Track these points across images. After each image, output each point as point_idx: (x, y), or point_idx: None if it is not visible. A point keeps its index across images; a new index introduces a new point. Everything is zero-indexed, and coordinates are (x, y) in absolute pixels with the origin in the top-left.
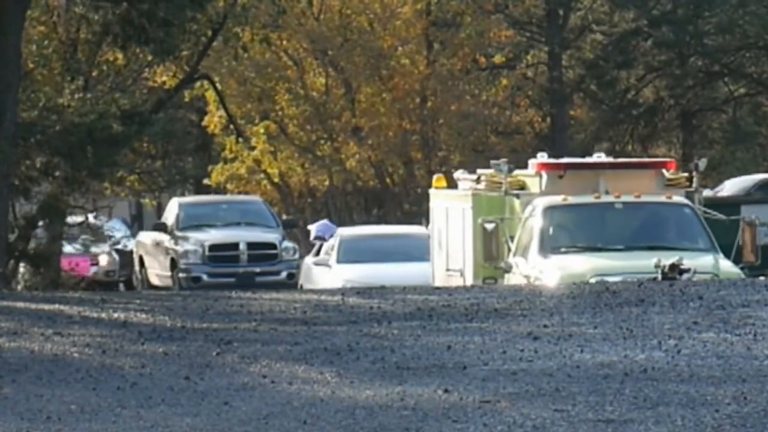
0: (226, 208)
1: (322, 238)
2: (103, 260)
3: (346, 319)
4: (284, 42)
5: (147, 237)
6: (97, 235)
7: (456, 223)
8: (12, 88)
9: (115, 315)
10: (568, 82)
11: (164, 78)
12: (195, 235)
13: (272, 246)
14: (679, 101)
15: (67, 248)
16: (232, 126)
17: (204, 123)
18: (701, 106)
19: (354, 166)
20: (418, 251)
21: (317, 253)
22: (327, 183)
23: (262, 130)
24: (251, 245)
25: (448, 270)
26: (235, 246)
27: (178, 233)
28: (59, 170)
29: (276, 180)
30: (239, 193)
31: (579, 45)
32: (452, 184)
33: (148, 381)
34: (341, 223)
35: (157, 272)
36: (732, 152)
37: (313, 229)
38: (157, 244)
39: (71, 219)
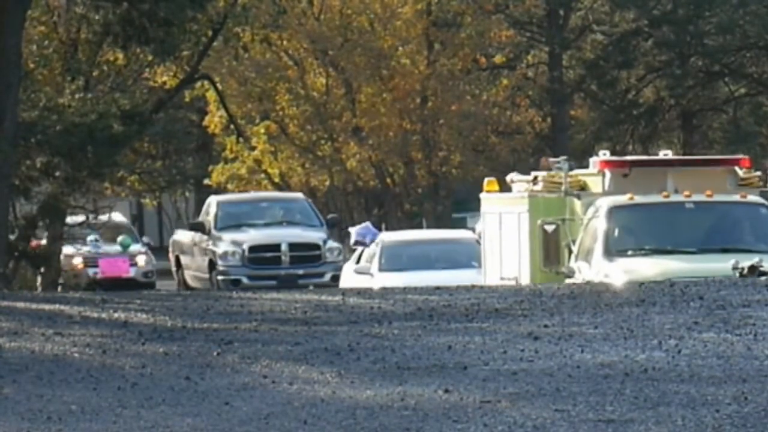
0: (266, 207)
1: (362, 243)
2: (141, 260)
3: (347, 319)
4: (285, 42)
5: (183, 236)
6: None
7: (511, 227)
8: (12, 88)
9: (116, 315)
10: (569, 82)
11: (165, 78)
12: (234, 236)
13: (316, 247)
14: (679, 101)
15: (106, 248)
16: (232, 126)
17: (204, 123)
18: (702, 106)
19: (354, 166)
20: (466, 257)
21: (357, 260)
22: (327, 183)
23: (262, 130)
24: (294, 246)
25: (502, 278)
26: (276, 247)
27: (216, 233)
28: (60, 170)
29: (276, 180)
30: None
31: (579, 45)
32: (504, 188)
33: (149, 381)
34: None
35: (194, 273)
36: (732, 152)
37: (353, 232)
38: (195, 244)
39: (103, 217)
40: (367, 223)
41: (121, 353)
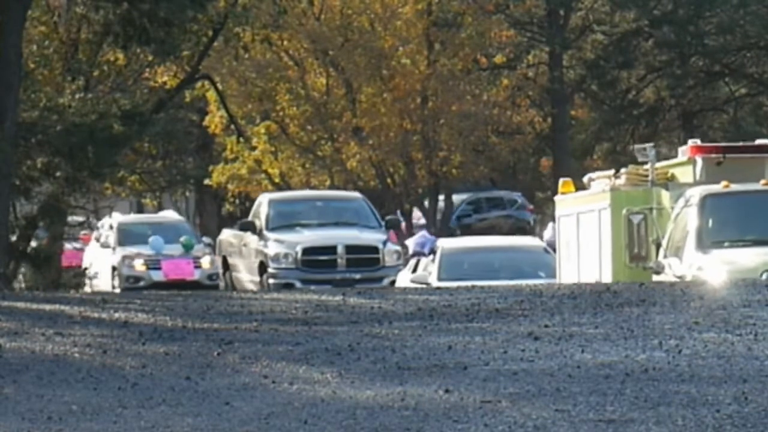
0: (321, 206)
1: (421, 254)
2: (206, 262)
3: (347, 319)
4: (285, 42)
5: (232, 236)
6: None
7: (590, 227)
8: (13, 88)
9: (116, 315)
10: (569, 82)
11: (165, 78)
12: (287, 237)
13: (374, 249)
14: (680, 101)
15: (168, 249)
16: (232, 126)
17: (205, 123)
18: (702, 106)
19: (355, 166)
20: (532, 267)
21: (414, 269)
22: (328, 183)
23: (262, 130)
24: (350, 248)
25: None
26: (332, 249)
27: (268, 233)
28: (60, 170)
29: (277, 180)
30: (240, 193)
31: (580, 45)
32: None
33: (149, 381)
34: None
35: (243, 276)
36: None
37: (410, 243)
38: (244, 244)
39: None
40: (423, 232)
41: (121, 353)
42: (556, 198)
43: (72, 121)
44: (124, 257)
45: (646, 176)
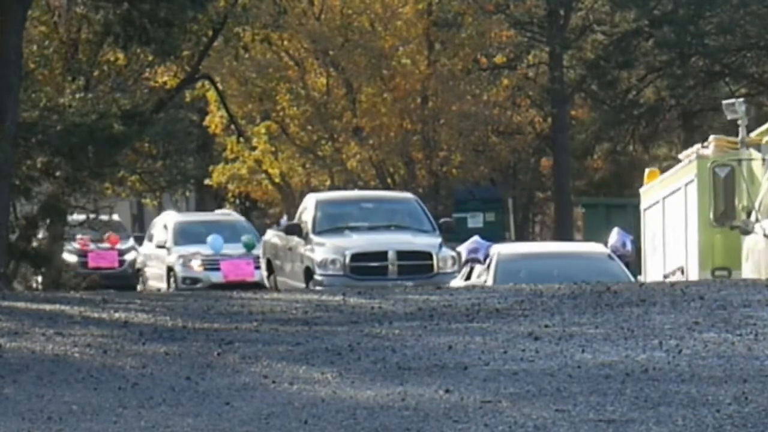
0: (372, 208)
1: (476, 261)
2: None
3: (347, 320)
4: (285, 42)
5: (277, 238)
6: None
7: (676, 210)
8: (13, 88)
9: (116, 315)
10: (569, 82)
11: (165, 78)
12: (335, 241)
13: (427, 255)
14: (680, 101)
15: (227, 249)
16: (233, 126)
17: (205, 123)
18: (702, 106)
19: (355, 166)
20: (594, 274)
21: (468, 276)
22: (328, 183)
23: (263, 130)
24: (402, 254)
25: (665, 276)
26: (382, 255)
27: (315, 237)
28: (60, 170)
29: (277, 180)
30: (240, 193)
31: (580, 45)
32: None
33: (149, 381)
34: None
35: (288, 281)
36: None
37: (463, 250)
38: (290, 248)
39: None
40: (476, 238)
41: (121, 353)
42: (641, 190)
43: (72, 121)
44: (181, 257)
45: (735, 144)
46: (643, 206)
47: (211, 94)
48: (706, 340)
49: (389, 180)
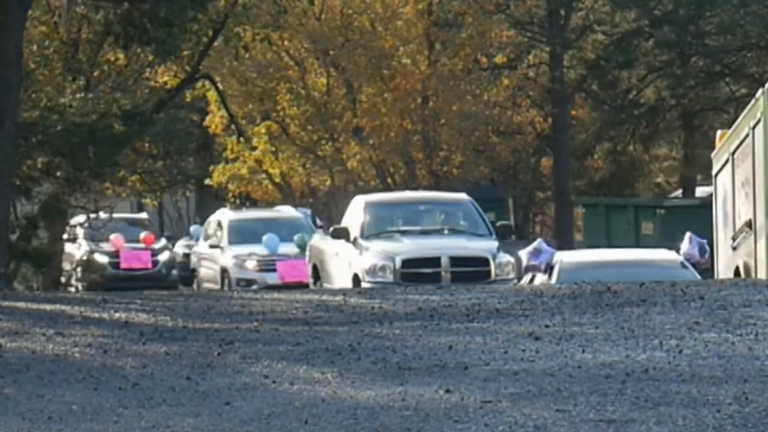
0: (425, 210)
1: (536, 267)
2: None
3: (348, 320)
4: (285, 42)
5: (324, 243)
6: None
7: (744, 161)
8: (13, 88)
9: (117, 315)
10: (570, 82)
11: (165, 78)
12: (384, 246)
13: (483, 261)
14: (680, 101)
15: (284, 249)
16: (233, 126)
17: (205, 123)
18: (703, 106)
19: (355, 166)
20: None
21: (530, 283)
22: (328, 183)
23: (263, 130)
24: (456, 260)
25: (733, 238)
26: (435, 261)
27: (363, 242)
28: (60, 170)
29: (277, 180)
30: (240, 193)
31: (580, 45)
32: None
33: (150, 381)
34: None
35: (336, 287)
36: None
37: (524, 256)
38: (337, 253)
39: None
40: (539, 241)
41: (122, 353)
42: (712, 155)
43: (72, 120)
44: (235, 258)
45: None
46: (714, 171)
47: (212, 94)
48: (706, 340)
49: (390, 180)
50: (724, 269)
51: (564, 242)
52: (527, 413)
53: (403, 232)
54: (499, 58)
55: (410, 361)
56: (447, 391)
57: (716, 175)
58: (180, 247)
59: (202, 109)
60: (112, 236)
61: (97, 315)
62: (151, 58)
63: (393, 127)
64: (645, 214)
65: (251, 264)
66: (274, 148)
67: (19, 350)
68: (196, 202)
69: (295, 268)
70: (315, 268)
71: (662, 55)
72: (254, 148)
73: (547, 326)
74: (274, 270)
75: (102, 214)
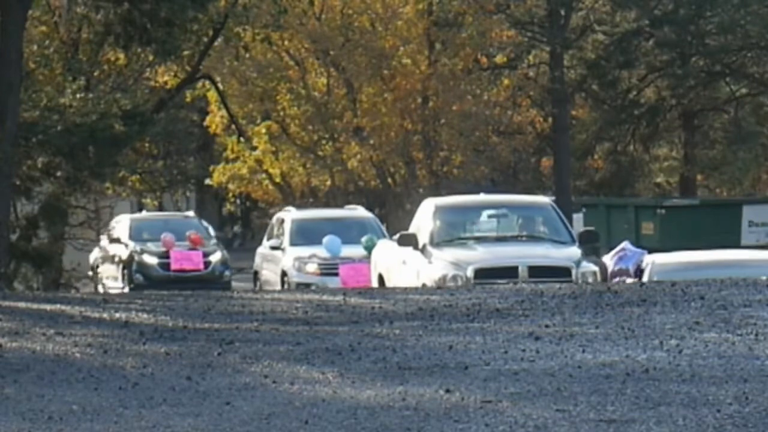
0: (500, 215)
1: (624, 272)
2: None
3: (348, 319)
4: (286, 42)
5: (390, 250)
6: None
7: None
8: (14, 88)
9: (117, 315)
10: (570, 82)
11: (166, 78)
12: (456, 254)
13: (565, 271)
14: (680, 101)
15: (348, 251)
16: (233, 126)
17: (205, 123)
18: (703, 106)
19: (355, 166)
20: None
21: None
22: (329, 183)
23: (263, 130)
24: (535, 270)
25: None
26: (512, 271)
27: (433, 249)
28: (61, 170)
29: (278, 180)
30: (241, 193)
31: (580, 45)
32: None
33: (150, 381)
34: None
35: None
36: (734, 152)
37: (609, 260)
38: (404, 262)
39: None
40: (626, 244)
41: (122, 353)
42: None
43: (73, 120)
44: (296, 260)
45: None
46: None
47: (212, 94)
48: (706, 340)
49: (390, 180)
50: None
51: None
52: (527, 413)
53: (477, 239)
54: (500, 58)
55: (410, 361)
56: (447, 391)
57: None
58: None
59: (202, 109)
60: (163, 235)
61: (97, 315)
62: (151, 58)
63: (393, 127)
64: (645, 214)
65: (312, 267)
66: (274, 148)
67: (20, 350)
68: (196, 201)
69: (359, 273)
70: (381, 278)
71: (662, 55)
72: (254, 148)
73: (547, 326)
74: (337, 274)
75: (144, 212)
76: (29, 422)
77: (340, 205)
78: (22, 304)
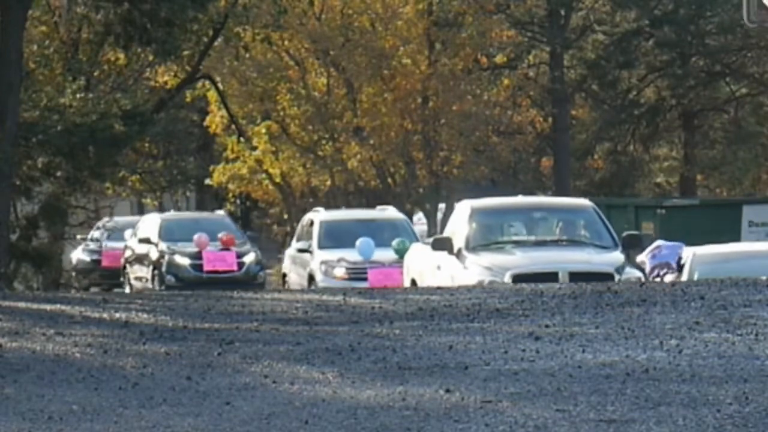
0: (539, 218)
1: (667, 267)
2: None
3: (348, 319)
4: (286, 42)
5: (422, 255)
6: None
7: None
8: (14, 88)
9: (117, 315)
10: (570, 82)
11: (166, 78)
12: (493, 259)
13: (608, 277)
14: (680, 101)
15: (379, 254)
16: (233, 126)
17: (205, 123)
18: (703, 106)
19: (355, 166)
20: None
21: None
22: (329, 183)
23: (263, 130)
24: (576, 276)
25: None
26: (552, 276)
27: (468, 254)
28: (61, 170)
29: (277, 180)
30: (240, 193)
31: (580, 45)
32: None
33: (150, 381)
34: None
35: None
36: (734, 152)
37: (645, 258)
38: (438, 267)
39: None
40: (659, 243)
41: (122, 353)
42: None
43: (73, 120)
44: (323, 264)
45: None
46: None
47: (212, 94)
48: (706, 340)
49: (390, 180)
50: None
51: None
52: (527, 413)
53: (516, 243)
54: (500, 58)
55: (410, 361)
56: (447, 391)
57: None
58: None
59: (202, 109)
60: (196, 236)
61: (97, 315)
62: (151, 58)
63: (393, 127)
64: (645, 214)
65: (340, 272)
66: (274, 148)
67: (20, 350)
68: (196, 201)
69: (388, 277)
70: (413, 283)
71: (662, 55)
72: (254, 148)
73: (547, 326)
74: (366, 279)
75: (172, 212)
76: (29, 422)
77: (340, 206)
78: (22, 304)
